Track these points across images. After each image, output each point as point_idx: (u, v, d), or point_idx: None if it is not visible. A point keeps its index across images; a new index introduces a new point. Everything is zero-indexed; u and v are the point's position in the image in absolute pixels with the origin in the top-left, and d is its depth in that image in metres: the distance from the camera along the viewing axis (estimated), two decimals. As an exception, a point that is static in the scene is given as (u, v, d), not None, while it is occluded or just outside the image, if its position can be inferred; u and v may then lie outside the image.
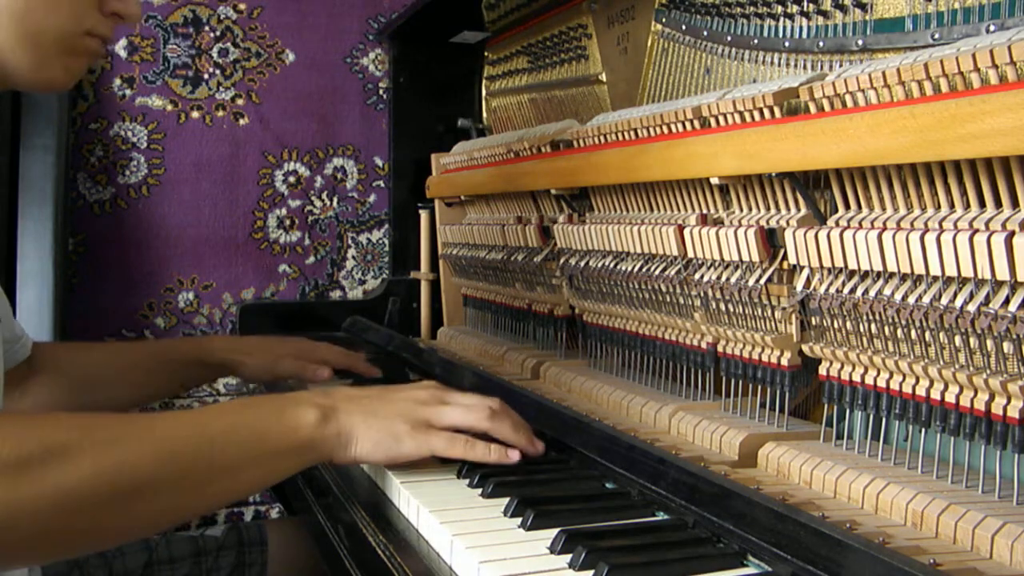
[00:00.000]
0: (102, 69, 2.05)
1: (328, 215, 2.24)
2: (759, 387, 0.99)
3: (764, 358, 0.96)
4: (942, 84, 0.74)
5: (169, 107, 2.10)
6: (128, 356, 1.41)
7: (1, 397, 0.99)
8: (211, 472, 0.81)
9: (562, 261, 1.32)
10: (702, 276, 1.02)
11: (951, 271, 0.73)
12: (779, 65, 1.10)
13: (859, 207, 0.87)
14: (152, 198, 2.10)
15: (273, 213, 2.20)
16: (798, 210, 0.94)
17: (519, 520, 0.81)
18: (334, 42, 2.23)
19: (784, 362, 0.94)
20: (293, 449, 0.87)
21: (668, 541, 0.77)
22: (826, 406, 0.93)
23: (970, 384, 0.74)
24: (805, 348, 0.92)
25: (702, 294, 1.03)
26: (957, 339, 0.75)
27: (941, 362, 0.77)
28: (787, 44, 1.08)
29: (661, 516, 0.85)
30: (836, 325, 0.88)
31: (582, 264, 1.25)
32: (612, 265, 1.18)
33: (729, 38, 1.19)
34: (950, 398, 0.76)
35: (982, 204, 0.74)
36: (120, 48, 2.07)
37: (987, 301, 0.71)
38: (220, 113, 2.14)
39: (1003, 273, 0.68)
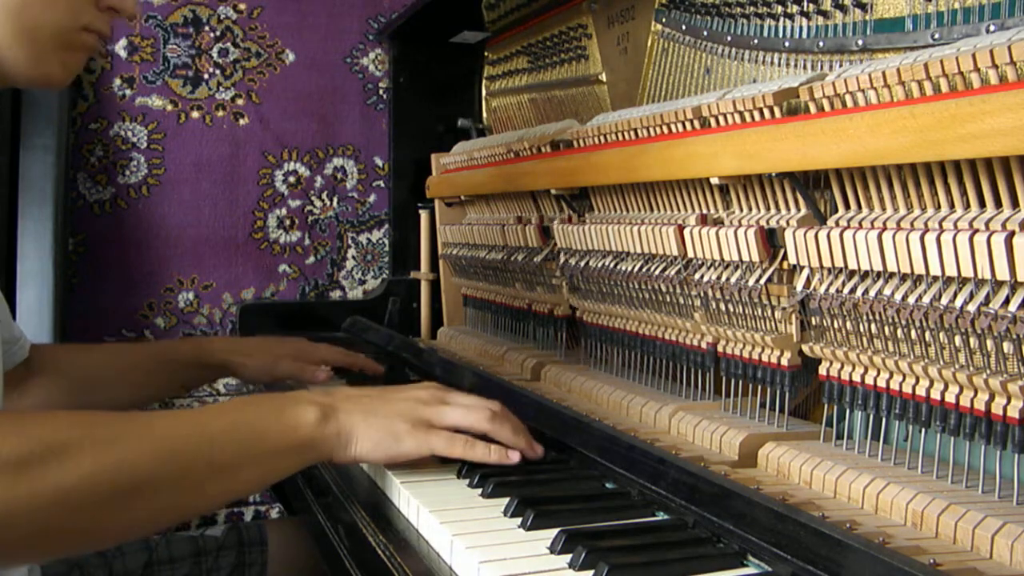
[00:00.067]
0: (102, 69, 2.05)
1: (328, 215, 2.24)
2: (759, 387, 0.99)
3: (764, 358, 0.96)
4: (942, 84, 0.74)
5: (169, 107, 2.10)
6: (128, 357, 1.41)
7: (1, 398, 0.99)
8: (211, 471, 0.81)
9: (562, 261, 1.32)
10: (702, 276, 1.01)
11: (951, 271, 0.73)
12: (779, 65, 1.10)
13: (859, 207, 0.87)
14: (152, 198, 2.10)
15: (273, 213, 2.20)
16: (798, 210, 0.94)
17: (519, 520, 0.81)
18: (334, 42, 2.23)
19: (784, 362, 0.94)
20: (293, 448, 0.87)
21: (668, 541, 0.77)
22: (826, 406, 0.93)
23: (970, 384, 0.74)
24: (805, 348, 0.92)
25: (702, 294, 1.03)
26: (957, 339, 0.75)
27: (941, 362, 0.77)
28: (787, 44, 1.08)
29: (661, 516, 0.85)
30: (836, 325, 0.88)
31: (582, 264, 1.25)
32: (612, 265, 1.18)
33: (729, 38, 1.19)
34: (950, 398, 0.76)
35: (982, 204, 0.74)
36: (120, 48, 2.07)
37: (987, 301, 0.71)
38: (220, 113, 2.14)
39: (1003, 273, 0.68)
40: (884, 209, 0.84)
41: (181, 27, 2.10)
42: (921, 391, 0.78)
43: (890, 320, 0.81)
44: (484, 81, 2.05)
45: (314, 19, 2.20)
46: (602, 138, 1.21)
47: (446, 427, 0.94)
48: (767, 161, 0.90)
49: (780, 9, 1.09)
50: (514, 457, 0.95)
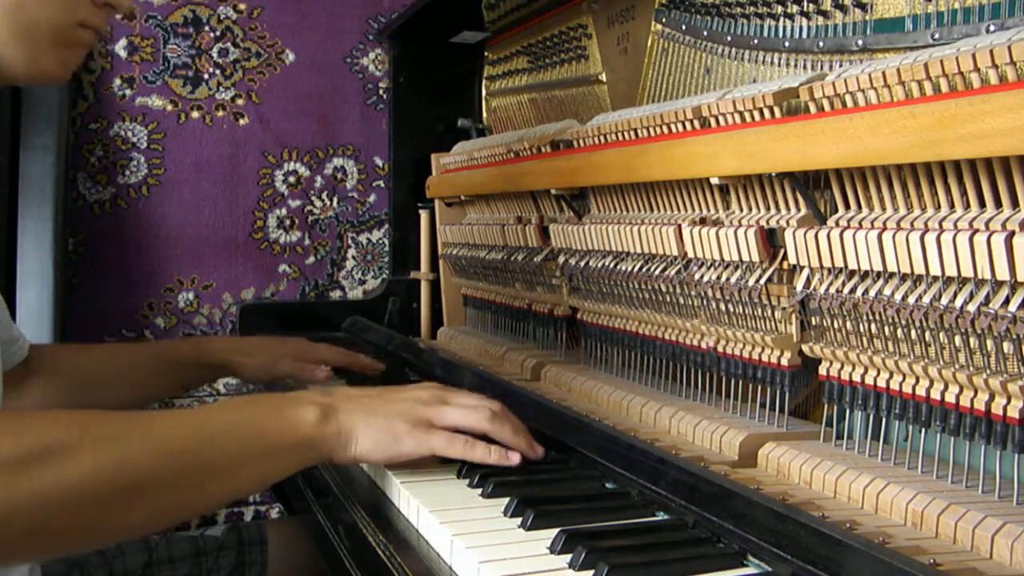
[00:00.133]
0: (102, 69, 2.05)
1: (328, 215, 2.24)
2: (759, 387, 0.99)
3: (764, 358, 0.96)
4: (942, 84, 0.74)
5: (169, 107, 2.10)
6: (127, 357, 1.41)
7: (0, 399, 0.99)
8: (211, 470, 0.81)
9: (562, 261, 1.32)
10: (702, 276, 1.01)
11: (951, 271, 0.73)
12: (779, 65, 1.10)
13: (859, 207, 0.87)
14: (152, 198, 2.10)
15: (273, 213, 2.20)
16: (798, 210, 0.94)
17: (519, 520, 0.81)
18: (334, 42, 2.23)
19: (784, 362, 0.94)
20: (292, 447, 0.87)
21: (668, 541, 0.77)
22: (826, 406, 0.93)
23: (970, 384, 0.74)
24: (805, 348, 0.92)
25: (702, 294, 1.03)
26: (957, 339, 0.75)
27: (941, 362, 0.77)
28: (787, 44, 1.08)
29: (661, 516, 0.85)
30: (836, 325, 0.88)
31: (582, 264, 1.25)
32: (612, 265, 1.18)
33: (729, 38, 1.19)
34: (950, 398, 0.76)
35: (982, 204, 0.74)
36: (120, 48, 2.07)
37: (987, 301, 0.71)
38: (220, 113, 2.14)
39: (1003, 273, 0.68)
40: (884, 209, 0.84)
41: (181, 27, 2.10)
42: (921, 391, 0.78)
43: (890, 320, 0.81)
44: (484, 81, 2.05)
45: (314, 19, 2.20)
46: (602, 138, 1.21)
47: (446, 427, 0.94)
48: (767, 161, 0.90)
49: (780, 9, 1.09)
50: (514, 458, 0.95)
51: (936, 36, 0.88)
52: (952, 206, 0.77)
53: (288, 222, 2.21)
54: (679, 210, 1.12)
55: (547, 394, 1.21)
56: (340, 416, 0.90)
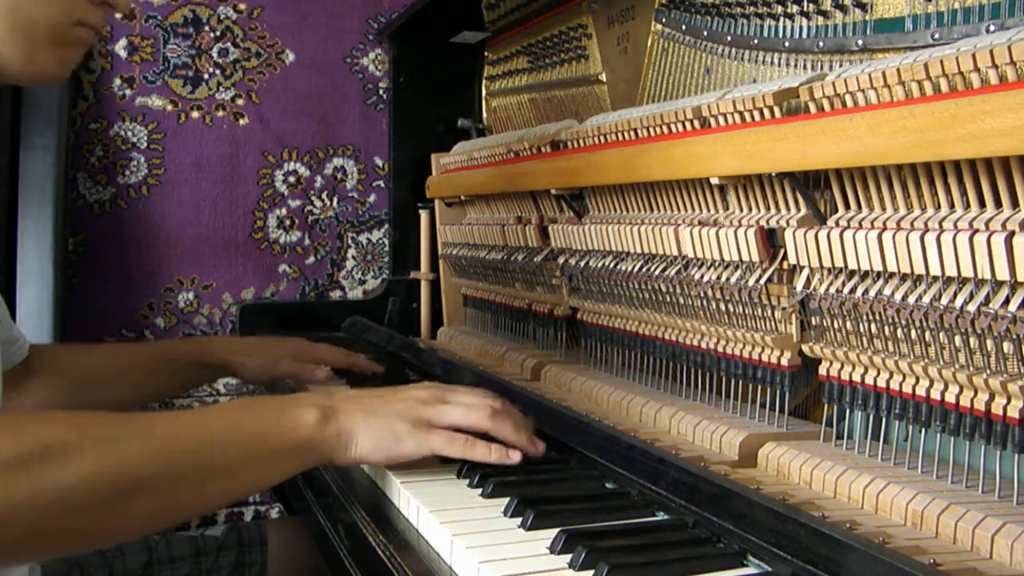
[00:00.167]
0: (102, 69, 2.05)
1: (328, 215, 2.24)
2: (759, 387, 0.99)
3: (764, 358, 0.96)
4: (942, 84, 0.74)
5: (169, 107, 2.10)
6: (127, 357, 1.41)
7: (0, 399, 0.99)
8: (211, 471, 0.81)
9: (562, 261, 1.32)
10: (702, 276, 1.01)
11: (951, 271, 0.73)
12: (779, 65, 1.10)
13: (859, 207, 0.87)
14: (152, 198, 2.10)
15: (273, 213, 2.20)
16: (798, 210, 0.94)
17: (519, 520, 0.81)
18: (334, 42, 2.23)
19: (784, 362, 0.94)
20: (293, 449, 0.87)
21: (668, 541, 0.77)
22: (826, 406, 0.93)
23: (970, 384, 0.74)
24: (805, 348, 0.92)
25: (702, 294, 1.03)
26: (957, 339, 0.75)
27: (941, 362, 0.77)
28: (787, 44, 1.08)
29: (661, 516, 0.85)
30: (836, 325, 0.88)
31: (582, 264, 1.25)
32: (612, 265, 1.18)
33: (729, 38, 1.19)
34: (950, 398, 0.76)
35: (982, 204, 0.74)
36: (120, 48, 2.07)
37: (987, 301, 0.71)
38: (220, 113, 2.14)
39: (1003, 273, 0.68)
40: (884, 209, 0.84)
41: (181, 27, 2.10)
42: (921, 391, 0.78)
43: (890, 320, 0.81)
44: (484, 81, 2.05)
45: (314, 19, 2.20)
46: (602, 138, 1.21)
47: (446, 426, 0.94)
48: (767, 161, 0.90)
49: (780, 9, 1.09)
50: (515, 457, 0.95)
51: (936, 36, 0.88)
52: (952, 206, 0.77)
53: (288, 222, 2.21)
54: (679, 210, 1.12)
55: (547, 394, 1.21)
56: (340, 418, 0.90)
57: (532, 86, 1.81)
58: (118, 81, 2.06)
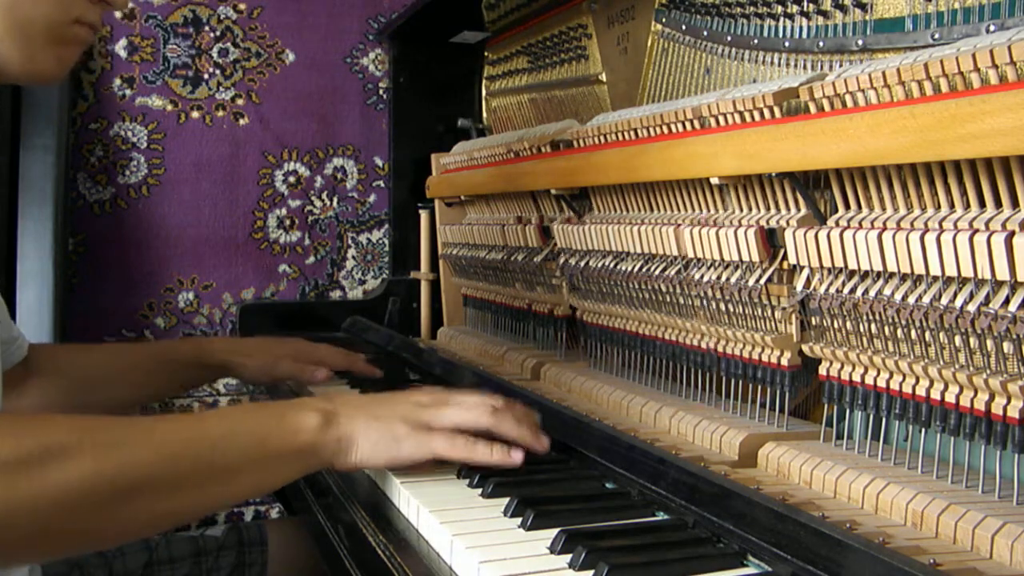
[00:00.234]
0: (102, 69, 2.05)
1: (328, 215, 2.24)
2: (759, 387, 0.99)
3: (764, 358, 0.96)
4: (942, 84, 0.74)
5: (169, 107, 2.10)
6: (127, 357, 1.41)
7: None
8: (211, 475, 0.81)
9: (562, 261, 1.32)
10: (702, 276, 1.01)
11: (951, 271, 0.73)
12: (779, 65, 1.10)
13: (859, 207, 0.87)
14: (152, 198, 2.10)
15: (273, 213, 2.20)
16: (798, 210, 0.94)
17: (519, 520, 0.81)
18: (334, 42, 2.23)
19: (784, 362, 0.94)
20: (293, 453, 0.87)
21: (668, 541, 0.77)
22: (826, 406, 0.93)
23: (970, 384, 0.74)
24: (805, 348, 0.92)
25: (702, 294, 1.03)
26: (957, 339, 0.75)
27: (941, 362, 0.77)
28: (787, 44, 1.08)
29: (661, 516, 0.85)
30: (836, 325, 0.88)
31: (582, 264, 1.25)
32: (612, 265, 1.18)
33: (729, 38, 1.19)
34: (950, 398, 0.76)
35: (982, 204, 0.74)
36: (120, 48, 2.07)
37: (987, 301, 0.71)
38: (220, 113, 2.14)
39: (1003, 273, 0.68)
40: (884, 209, 0.84)
41: (181, 27, 2.10)
42: (921, 391, 0.78)
43: (890, 320, 0.81)
44: (484, 81, 2.05)
45: (314, 19, 2.20)
46: (602, 138, 1.21)
47: (447, 428, 0.94)
48: (767, 161, 0.90)
49: (780, 9, 1.09)
50: (516, 457, 0.94)
51: (936, 36, 0.88)
52: (952, 206, 0.77)
53: (288, 222, 2.21)
54: (679, 210, 1.12)
55: (547, 394, 1.21)
56: (341, 422, 0.90)
57: (532, 86, 1.81)
58: (118, 81, 2.06)
